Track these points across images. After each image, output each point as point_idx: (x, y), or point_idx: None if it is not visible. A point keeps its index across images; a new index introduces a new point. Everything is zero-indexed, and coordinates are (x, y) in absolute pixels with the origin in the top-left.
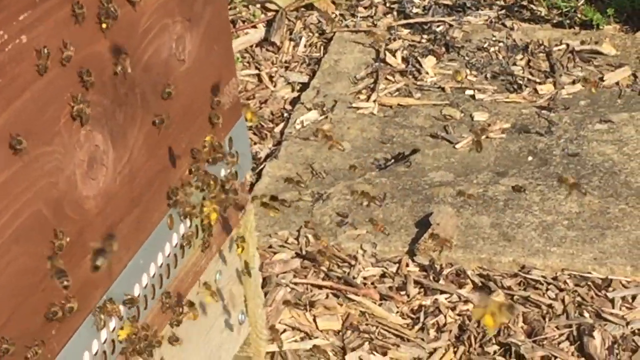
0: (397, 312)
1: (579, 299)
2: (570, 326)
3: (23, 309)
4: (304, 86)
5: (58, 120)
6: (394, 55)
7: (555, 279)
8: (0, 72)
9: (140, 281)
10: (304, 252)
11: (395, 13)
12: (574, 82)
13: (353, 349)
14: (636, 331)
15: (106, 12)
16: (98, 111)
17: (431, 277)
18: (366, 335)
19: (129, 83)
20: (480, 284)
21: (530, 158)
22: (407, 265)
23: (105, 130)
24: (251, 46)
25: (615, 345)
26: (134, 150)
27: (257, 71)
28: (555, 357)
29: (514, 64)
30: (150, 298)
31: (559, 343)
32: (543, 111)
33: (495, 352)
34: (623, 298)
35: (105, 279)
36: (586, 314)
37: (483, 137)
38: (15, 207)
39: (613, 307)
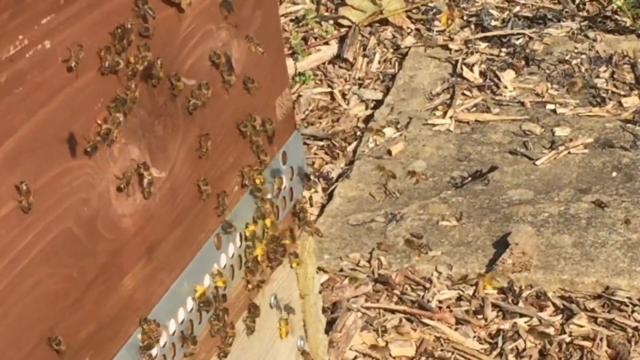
0: (474, 336)
1: None
2: None
3: (54, 333)
4: (378, 103)
5: (88, 131)
6: (471, 70)
7: None
8: (20, 80)
9: (185, 305)
10: (376, 275)
11: (472, 26)
12: None
13: None
14: None
15: (143, 16)
16: (134, 122)
17: (510, 300)
18: None
19: (169, 92)
20: (561, 306)
21: (614, 174)
22: (485, 287)
23: (142, 144)
24: (323, 63)
25: None
26: (175, 165)
27: (329, 89)
28: None
29: (597, 77)
30: (197, 323)
31: None
32: (628, 125)
33: None
34: None
35: (145, 304)
36: None
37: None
38: (42, 225)
39: None
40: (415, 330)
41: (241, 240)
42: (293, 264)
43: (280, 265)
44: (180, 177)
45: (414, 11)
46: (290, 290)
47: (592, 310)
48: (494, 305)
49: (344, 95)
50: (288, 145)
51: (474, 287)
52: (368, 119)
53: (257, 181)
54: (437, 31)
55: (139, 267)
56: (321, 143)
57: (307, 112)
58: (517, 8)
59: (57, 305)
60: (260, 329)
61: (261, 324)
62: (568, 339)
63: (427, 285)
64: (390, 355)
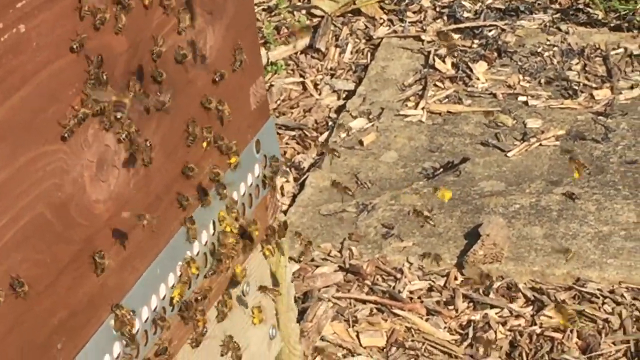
0: (445, 327)
1: (637, 313)
2: (627, 342)
3: (26, 319)
4: (350, 94)
5: (62, 116)
6: (443, 61)
7: (612, 292)
8: None
9: (157, 292)
10: (347, 266)
11: (445, 17)
12: (632, 87)
13: None
14: None
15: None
16: None
17: (481, 291)
18: (412, 352)
19: (144, 79)
20: (532, 298)
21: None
22: (456, 278)
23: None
24: (295, 53)
25: None
26: None
27: (301, 79)
28: None
29: (569, 69)
30: (170, 310)
31: (616, 359)
32: (600, 117)
33: None
34: None
35: (118, 291)
36: None
37: None
38: (14, 210)
39: None
40: (386, 320)
41: (214, 228)
42: (265, 252)
43: (253, 254)
44: (155, 163)
45: (386, 2)
46: (263, 279)
47: (563, 301)
48: (465, 297)
49: (315, 85)
50: (262, 133)
51: (445, 278)
52: (340, 109)
53: (233, 160)
54: (409, 22)
55: (112, 254)
56: (293, 133)
57: (278, 102)
58: (490, 0)
59: (29, 290)
60: (232, 316)
61: (233, 312)
62: (538, 331)
63: (398, 275)
64: (360, 345)
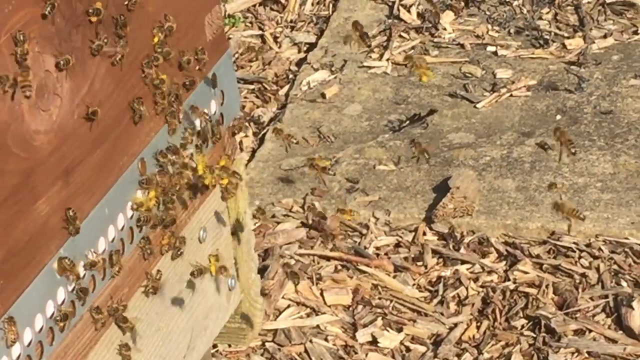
0: (414, 284)
1: (615, 267)
2: (606, 297)
3: None
4: (311, 47)
5: None
6: (408, 11)
7: (588, 245)
8: None
9: (106, 234)
10: (310, 222)
11: None
12: (605, 36)
13: (365, 325)
14: None
15: None
16: (49, 30)
17: (451, 246)
18: (379, 310)
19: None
20: (505, 253)
21: (558, 117)
22: (424, 233)
23: (58, 54)
24: (254, 5)
25: None
26: (95, 80)
27: (260, 32)
28: (590, 331)
29: (540, 18)
30: (121, 253)
31: (594, 315)
32: (572, 67)
33: (522, 327)
34: None
35: (62, 231)
36: (624, 283)
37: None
38: None
39: None
40: (351, 277)
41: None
42: (226, 194)
43: (210, 197)
44: (101, 93)
45: None
46: (221, 226)
47: (537, 256)
48: (434, 252)
49: (275, 38)
50: (218, 67)
51: (413, 233)
52: (301, 62)
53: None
54: None
55: (55, 191)
56: (252, 86)
57: (237, 55)
58: None
59: None
60: (188, 265)
61: (189, 260)
62: (512, 286)
63: (364, 231)
64: (325, 303)
